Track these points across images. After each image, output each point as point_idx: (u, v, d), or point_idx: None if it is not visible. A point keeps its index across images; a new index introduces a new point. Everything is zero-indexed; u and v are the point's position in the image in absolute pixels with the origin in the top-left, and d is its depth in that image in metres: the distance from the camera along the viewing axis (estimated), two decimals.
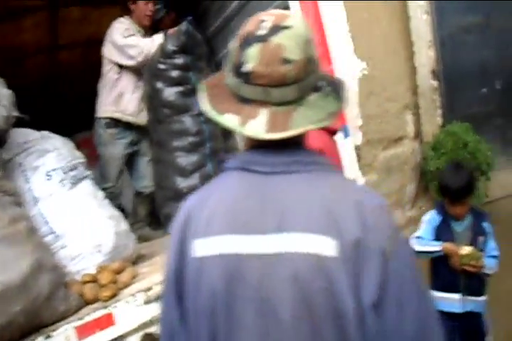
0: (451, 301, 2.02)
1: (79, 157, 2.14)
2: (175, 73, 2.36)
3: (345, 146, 2.15)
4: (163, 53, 2.30)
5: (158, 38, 2.51)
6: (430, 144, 3.80)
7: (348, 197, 0.73)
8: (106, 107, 2.74)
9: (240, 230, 0.72)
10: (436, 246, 1.96)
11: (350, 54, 3.74)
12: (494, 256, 2.02)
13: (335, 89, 0.78)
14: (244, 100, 0.73)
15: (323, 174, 0.76)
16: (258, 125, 0.71)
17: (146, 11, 2.69)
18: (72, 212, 1.95)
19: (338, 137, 2.04)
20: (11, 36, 3.67)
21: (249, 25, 0.75)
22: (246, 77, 0.72)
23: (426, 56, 3.75)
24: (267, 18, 0.74)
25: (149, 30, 2.80)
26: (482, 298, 2.09)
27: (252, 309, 0.69)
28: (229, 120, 0.73)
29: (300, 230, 0.69)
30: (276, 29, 0.72)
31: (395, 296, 0.68)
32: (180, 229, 0.78)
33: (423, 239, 2.01)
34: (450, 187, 1.97)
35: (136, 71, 2.65)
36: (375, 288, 0.67)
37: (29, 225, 1.73)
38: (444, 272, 2.02)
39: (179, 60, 2.36)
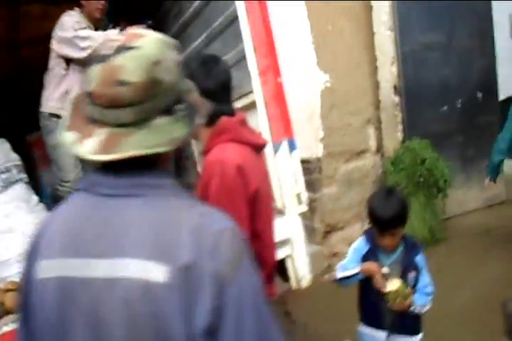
0: (377, 339, 1.82)
1: (13, 159, 2.07)
2: None
3: (292, 160, 2.10)
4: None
5: (112, 33, 2.46)
6: (390, 159, 3.82)
7: (188, 221, 0.71)
8: (51, 103, 2.65)
9: (76, 253, 0.72)
10: (354, 269, 1.75)
11: (313, 65, 3.77)
12: (427, 293, 1.81)
13: (190, 114, 0.77)
14: (90, 120, 0.74)
15: (166, 198, 0.75)
16: (90, 145, 0.71)
17: (98, 5, 2.64)
18: (0, 215, 1.88)
19: (282, 153, 2.02)
20: None
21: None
22: (89, 97, 0.73)
23: (389, 71, 3.78)
24: (122, 37, 0.76)
25: (100, 25, 2.74)
26: (416, 338, 1.85)
27: (85, 334, 0.68)
28: (68, 137, 0.74)
29: (132, 255, 0.69)
30: (120, 49, 0.72)
31: (233, 323, 0.67)
32: (29, 250, 0.78)
33: (346, 268, 1.80)
34: (379, 215, 1.69)
35: (85, 68, 2.58)
36: (208, 314, 0.65)
37: None
38: (368, 304, 1.84)
39: None
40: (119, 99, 0.70)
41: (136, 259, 0.68)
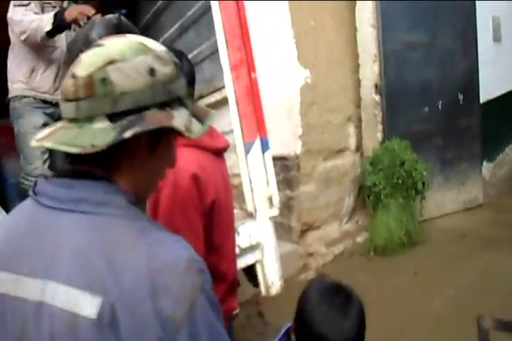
0: None
1: None
2: None
3: (264, 161, 2.00)
4: (87, 41, 2.03)
5: (47, 17, 2.23)
6: (369, 159, 3.76)
7: (133, 250, 0.63)
8: (16, 85, 2.46)
9: (11, 267, 0.66)
10: None
11: (294, 61, 3.67)
12: None
13: (132, 126, 0.67)
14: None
15: (112, 219, 0.67)
16: (42, 133, 0.71)
17: None
18: None
19: (254, 153, 1.91)
20: None
21: None
22: None
23: (370, 70, 3.70)
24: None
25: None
26: None
27: None
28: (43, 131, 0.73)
29: (64, 281, 0.61)
30: (92, 45, 0.73)
31: None
32: None
33: None
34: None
35: (49, 46, 2.41)
36: None
37: None
38: None
39: None
40: (67, 92, 0.69)
41: (66, 286, 0.61)
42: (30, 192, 0.72)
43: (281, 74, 3.72)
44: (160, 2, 2.54)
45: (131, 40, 0.72)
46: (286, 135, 3.80)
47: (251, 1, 3.90)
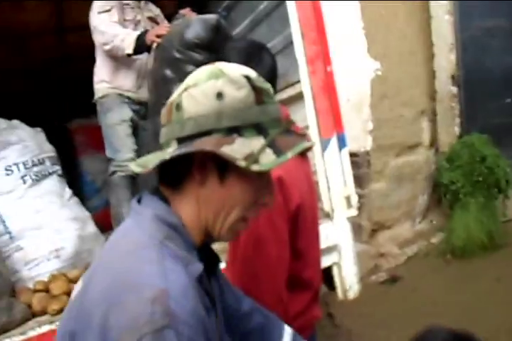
0: None
1: (48, 150, 1.98)
2: (190, 68, 1.95)
3: (341, 158, 1.90)
4: (182, 42, 1.98)
5: (129, 40, 2.23)
6: (445, 155, 3.53)
7: (114, 265, 0.64)
8: (101, 85, 2.51)
9: None
10: None
11: (364, 53, 3.51)
12: None
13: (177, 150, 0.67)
14: None
15: (129, 231, 0.70)
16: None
17: None
18: (31, 211, 1.80)
19: (331, 150, 1.81)
20: (13, 16, 3.56)
21: None
22: None
23: (446, 59, 3.47)
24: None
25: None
26: None
27: None
28: None
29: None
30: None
31: None
32: None
33: None
34: None
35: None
36: None
37: None
38: None
39: (199, 56, 1.98)
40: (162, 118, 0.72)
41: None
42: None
43: (350, 67, 3.58)
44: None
45: (214, 66, 0.71)
46: (355, 130, 3.65)
47: None
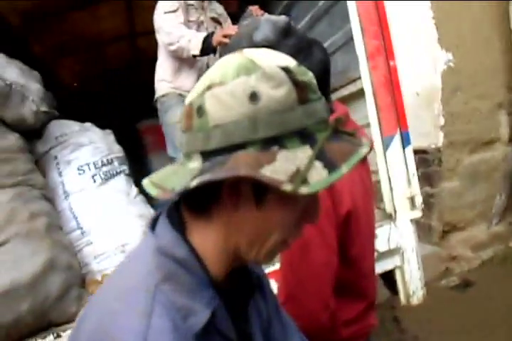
0: None
1: (116, 151, 2.08)
2: None
3: (405, 157, 1.81)
4: (251, 43, 2.00)
5: (196, 41, 2.23)
6: None
7: (102, 304, 0.58)
8: (162, 84, 2.53)
9: None
10: None
11: (434, 43, 3.31)
12: None
13: (216, 168, 0.52)
14: None
15: (134, 262, 0.62)
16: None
17: None
18: (100, 208, 1.90)
19: (394, 149, 1.73)
20: (88, 24, 3.79)
21: None
22: None
23: None
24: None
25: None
26: None
27: None
28: None
29: None
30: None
31: None
32: None
33: None
34: None
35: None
36: None
37: (49, 221, 1.70)
38: None
39: None
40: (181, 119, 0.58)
41: None
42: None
43: (419, 59, 3.40)
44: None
45: (243, 56, 0.56)
46: (425, 126, 3.48)
47: None
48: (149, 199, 2.16)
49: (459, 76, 3.27)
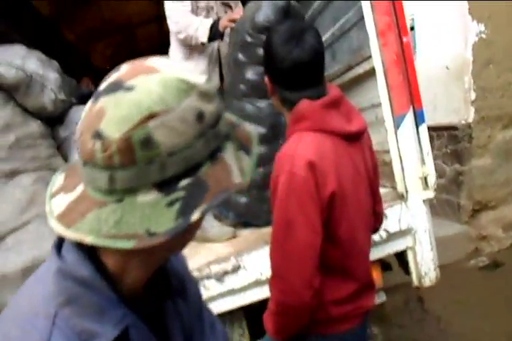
0: None
1: None
2: (262, 51, 1.97)
3: (419, 135, 1.76)
4: (253, 25, 1.96)
5: (203, 29, 2.22)
6: None
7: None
8: None
9: None
10: None
11: (465, 14, 3.15)
12: None
13: (193, 196, 0.51)
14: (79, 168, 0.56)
15: (39, 275, 0.60)
16: (59, 204, 0.55)
17: None
18: None
19: (406, 128, 1.68)
20: (116, 9, 3.87)
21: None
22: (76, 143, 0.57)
23: None
24: (125, 67, 0.54)
25: None
26: None
27: None
28: (55, 180, 0.61)
29: None
30: (113, 87, 0.52)
31: None
32: None
33: None
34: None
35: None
36: None
37: None
38: None
39: None
40: (93, 156, 0.50)
41: None
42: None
43: (449, 32, 3.25)
44: None
45: (167, 77, 0.52)
46: (455, 101, 3.36)
47: None
48: None
49: (492, 48, 3.12)
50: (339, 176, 1.02)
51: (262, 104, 1.94)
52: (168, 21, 2.36)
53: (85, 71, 3.95)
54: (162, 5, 2.41)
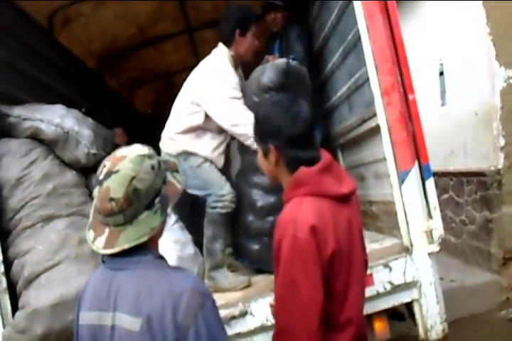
0: None
1: None
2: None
3: (425, 190, 1.82)
4: (259, 87, 2.08)
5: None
6: None
7: (158, 287, 0.96)
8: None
9: (96, 307, 1.04)
10: None
11: (491, 61, 3.16)
12: None
13: (163, 203, 1.02)
14: (101, 222, 1.03)
15: (145, 270, 1.00)
16: (101, 241, 1.01)
17: (254, 47, 2.18)
18: None
19: (410, 183, 1.73)
20: (156, 59, 4.20)
21: (100, 167, 1.04)
22: (96, 209, 1.04)
23: None
24: (107, 163, 1.01)
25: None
26: None
27: None
28: (89, 234, 1.05)
29: (122, 311, 0.99)
30: (108, 174, 0.99)
31: None
32: (78, 301, 1.13)
33: None
34: None
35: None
36: None
37: None
38: None
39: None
40: (112, 211, 0.98)
41: (123, 314, 0.98)
42: (102, 262, 1.07)
43: (475, 78, 3.28)
44: (327, 27, 2.56)
45: (132, 157, 1.00)
46: (484, 147, 3.34)
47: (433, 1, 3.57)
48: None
49: None
50: (337, 236, 1.11)
51: None
52: (226, 115, 2.07)
53: (126, 116, 4.29)
54: (199, 55, 2.55)
